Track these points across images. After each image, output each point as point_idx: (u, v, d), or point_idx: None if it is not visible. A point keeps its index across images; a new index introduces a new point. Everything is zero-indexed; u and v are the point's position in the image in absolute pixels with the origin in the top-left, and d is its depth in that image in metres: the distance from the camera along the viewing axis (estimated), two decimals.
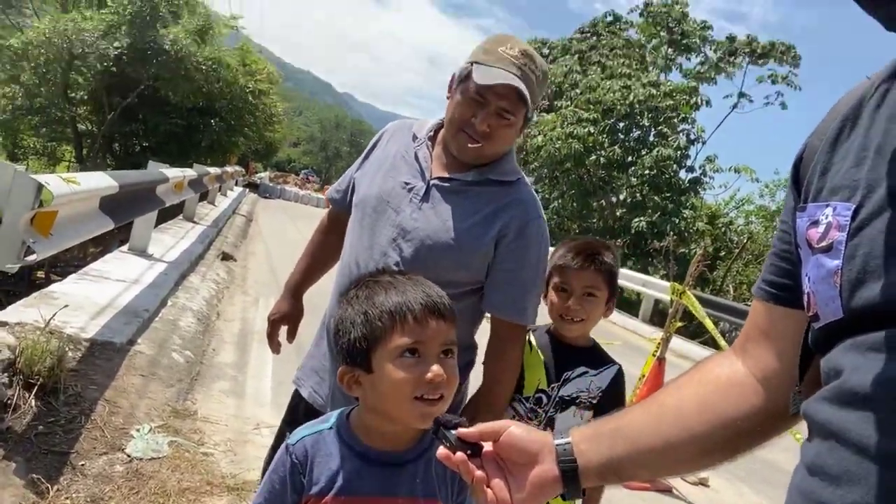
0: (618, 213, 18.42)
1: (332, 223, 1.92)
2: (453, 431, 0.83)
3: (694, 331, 10.11)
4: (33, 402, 2.67)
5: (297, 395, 1.80)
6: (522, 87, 1.49)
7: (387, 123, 1.89)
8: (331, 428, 1.08)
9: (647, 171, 17.11)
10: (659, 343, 4.05)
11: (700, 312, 3.92)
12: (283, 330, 1.93)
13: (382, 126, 1.88)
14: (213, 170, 11.37)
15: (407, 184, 1.61)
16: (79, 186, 2.84)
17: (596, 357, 1.70)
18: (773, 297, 0.79)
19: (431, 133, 1.67)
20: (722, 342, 3.88)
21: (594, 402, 1.64)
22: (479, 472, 0.80)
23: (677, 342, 7.34)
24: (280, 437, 1.86)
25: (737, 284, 18.49)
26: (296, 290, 1.93)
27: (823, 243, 0.64)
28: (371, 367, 1.00)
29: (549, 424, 1.65)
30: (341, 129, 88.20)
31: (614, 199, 18.88)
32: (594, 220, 19.04)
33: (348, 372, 1.04)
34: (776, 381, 0.78)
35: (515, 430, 0.82)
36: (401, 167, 1.64)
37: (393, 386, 0.97)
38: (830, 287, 0.63)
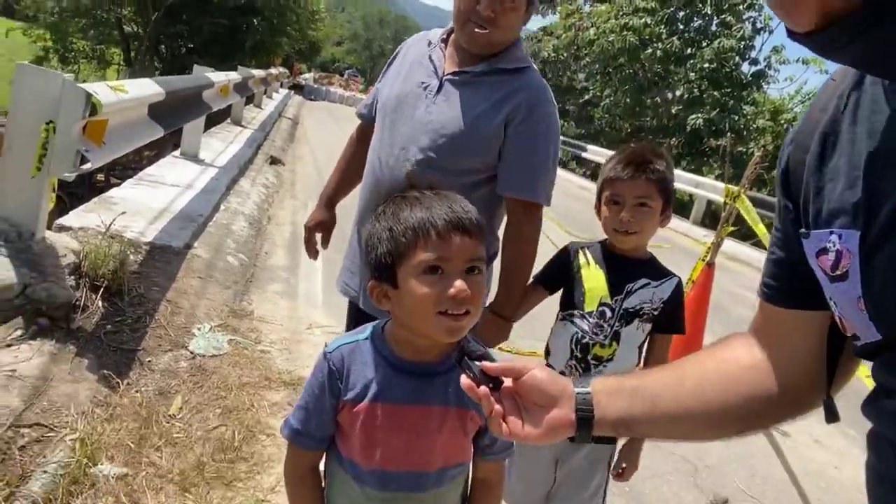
0: (673, 111, 17.63)
1: (361, 137, 2.00)
2: (477, 363, 0.85)
3: (745, 233, 9.83)
4: (100, 303, 2.84)
5: (350, 303, 1.93)
6: None
7: (431, 18, 1.92)
8: (366, 338, 1.11)
9: (706, 65, 16.14)
10: (709, 248, 3.97)
11: (754, 218, 3.80)
12: (319, 238, 2.07)
13: (428, 23, 1.94)
14: (258, 72, 11.28)
15: (422, 83, 1.70)
16: (126, 95, 2.86)
17: (654, 269, 1.68)
18: (776, 300, 0.80)
19: (445, 36, 1.74)
20: None
21: (655, 313, 1.63)
22: (497, 406, 0.83)
23: (728, 244, 7.20)
24: None
25: None
26: (329, 201, 2.06)
27: (838, 272, 0.64)
28: (397, 283, 1.01)
29: (615, 339, 1.63)
30: (385, 25, 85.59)
31: (670, 96, 18.01)
32: (647, 118, 18.32)
33: (377, 286, 1.05)
34: (784, 373, 0.80)
35: (539, 374, 0.84)
36: (417, 70, 1.73)
37: (417, 301, 0.98)
38: (859, 313, 0.63)
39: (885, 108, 0.61)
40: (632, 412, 0.84)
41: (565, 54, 21.06)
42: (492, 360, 0.86)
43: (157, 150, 9.50)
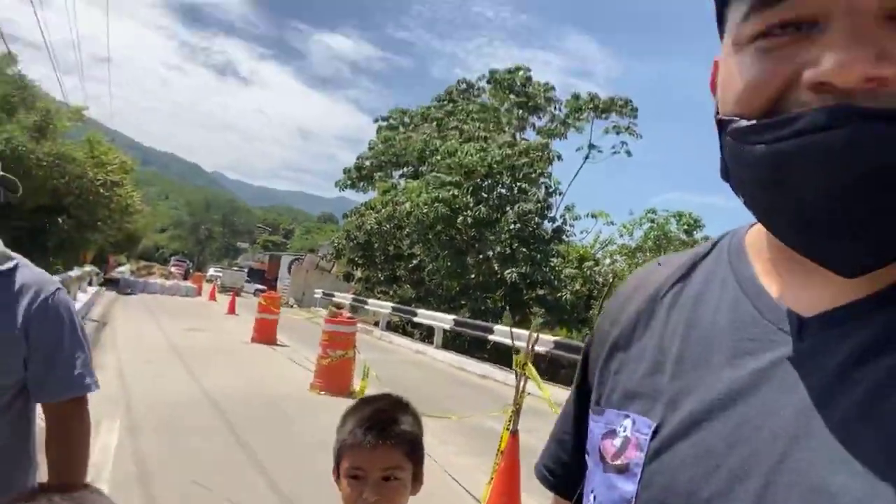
0: (494, 267, 18.98)
1: None
2: None
3: (560, 379, 10.44)
4: None
5: None
6: None
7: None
8: None
9: (511, 226, 17.87)
10: (510, 416, 4.11)
11: (540, 384, 4.05)
12: None
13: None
14: None
15: None
16: None
17: None
18: (550, 484, 0.77)
19: None
20: (556, 411, 4.01)
21: None
22: None
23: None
24: None
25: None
26: None
27: (618, 462, 0.59)
28: None
29: None
30: (213, 208, 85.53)
31: (490, 253, 19.47)
32: (472, 276, 19.51)
33: None
34: None
35: None
36: None
37: None
38: None
39: (712, 304, 0.60)
40: None
41: (388, 225, 22.25)
42: None
43: None
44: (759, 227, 0.58)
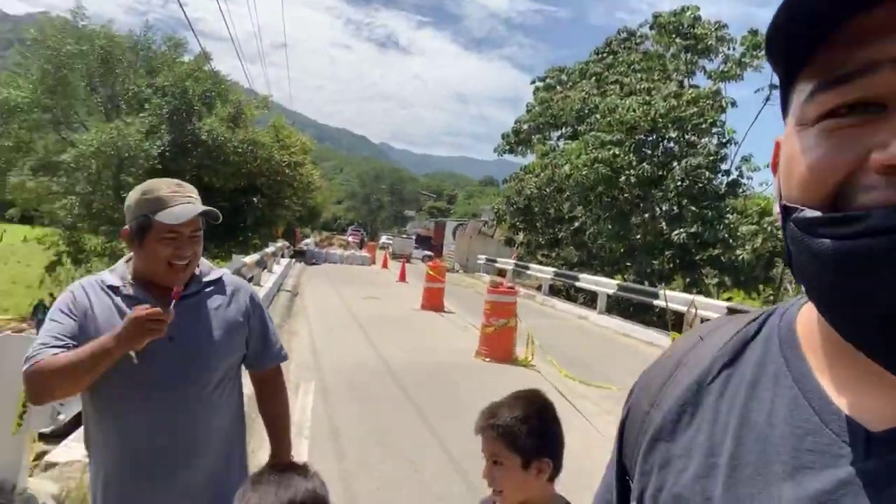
0: (661, 227, 18.15)
1: None
2: None
3: None
4: None
5: None
6: (202, 207, 1.80)
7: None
8: None
9: (679, 183, 16.91)
10: None
11: None
12: None
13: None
14: (250, 258, 11.90)
15: None
16: None
17: None
18: None
19: (131, 278, 1.81)
20: None
21: None
22: None
23: None
24: None
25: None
26: None
27: None
28: None
29: None
30: (380, 179, 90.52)
31: (657, 211, 18.57)
32: (636, 238, 18.85)
33: None
34: None
35: None
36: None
37: None
38: None
39: (766, 401, 0.55)
40: None
41: (548, 189, 22.12)
42: None
43: None
44: (811, 309, 0.56)
